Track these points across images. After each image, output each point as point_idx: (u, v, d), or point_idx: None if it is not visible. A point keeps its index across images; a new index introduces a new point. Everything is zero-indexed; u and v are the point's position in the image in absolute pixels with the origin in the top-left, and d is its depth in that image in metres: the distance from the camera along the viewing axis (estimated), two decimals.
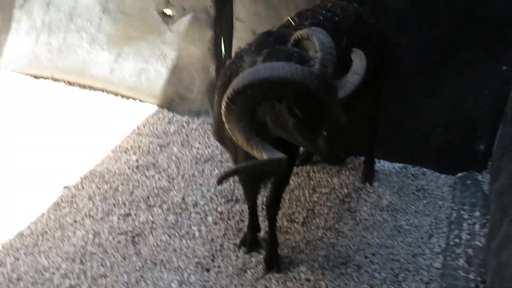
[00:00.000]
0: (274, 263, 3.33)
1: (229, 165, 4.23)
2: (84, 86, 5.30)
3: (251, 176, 3.01)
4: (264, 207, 3.46)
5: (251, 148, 2.30)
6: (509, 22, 3.59)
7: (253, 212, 3.44)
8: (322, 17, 3.23)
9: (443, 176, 4.18)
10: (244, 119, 2.29)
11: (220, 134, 3.01)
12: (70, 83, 5.36)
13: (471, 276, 3.23)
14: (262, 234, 3.54)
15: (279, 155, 2.27)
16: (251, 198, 3.33)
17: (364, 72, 2.56)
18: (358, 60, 2.65)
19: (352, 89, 2.47)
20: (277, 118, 2.49)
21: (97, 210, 3.74)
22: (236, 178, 4.05)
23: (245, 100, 2.24)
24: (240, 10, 4.32)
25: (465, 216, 3.71)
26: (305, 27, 3.05)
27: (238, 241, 3.51)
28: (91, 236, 3.51)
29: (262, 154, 2.27)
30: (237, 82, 2.22)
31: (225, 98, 2.25)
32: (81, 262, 3.32)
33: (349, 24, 3.31)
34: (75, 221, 3.64)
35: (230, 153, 3.10)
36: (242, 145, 2.34)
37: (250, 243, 3.45)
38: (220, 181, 2.37)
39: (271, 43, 2.64)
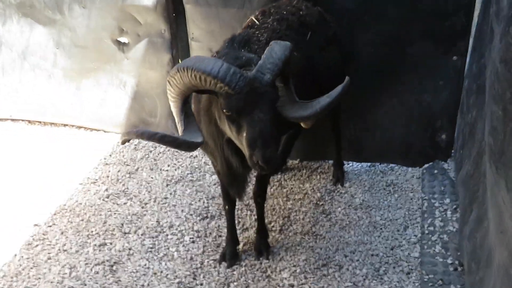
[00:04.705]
0: (264, 249, 3.45)
1: (200, 183, 4.23)
2: (45, 123, 5.24)
3: (229, 175, 3.04)
4: (252, 199, 3.55)
5: (178, 124, 2.56)
6: (453, 11, 3.71)
7: (231, 224, 3.46)
8: (285, 12, 3.32)
9: (410, 169, 4.28)
10: (178, 99, 2.54)
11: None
12: (30, 122, 5.29)
13: (449, 261, 3.30)
14: (240, 247, 3.53)
15: (195, 139, 2.49)
16: (235, 195, 3.26)
17: (336, 97, 2.57)
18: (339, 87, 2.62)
19: (317, 110, 2.55)
20: (219, 115, 2.65)
21: (71, 244, 3.66)
22: (209, 194, 4.07)
23: (177, 82, 2.47)
24: (195, 30, 4.35)
25: (436, 204, 3.80)
26: (268, 25, 3.13)
27: (218, 257, 3.48)
28: (67, 271, 3.42)
29: (180, 133, 2.54)
30: (174, 66, 2.48)
31: (168, 76, 2.52)
32: None
33: (313, 21, 3.41)
34: (49, 258, 3.55)
35: (212, 157, 3.17)
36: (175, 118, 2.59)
37: (230, 256, 3.44)
38: (124, 141, 2.64)
39: (235, 48, 2.73)
